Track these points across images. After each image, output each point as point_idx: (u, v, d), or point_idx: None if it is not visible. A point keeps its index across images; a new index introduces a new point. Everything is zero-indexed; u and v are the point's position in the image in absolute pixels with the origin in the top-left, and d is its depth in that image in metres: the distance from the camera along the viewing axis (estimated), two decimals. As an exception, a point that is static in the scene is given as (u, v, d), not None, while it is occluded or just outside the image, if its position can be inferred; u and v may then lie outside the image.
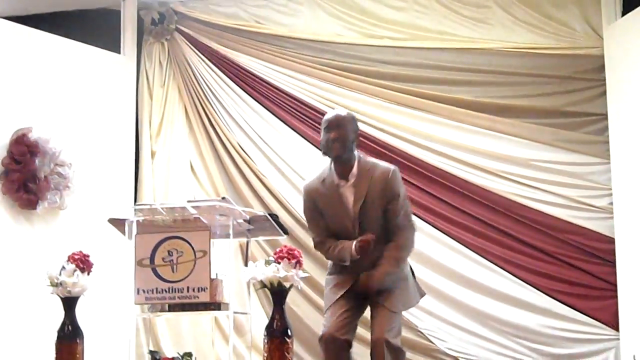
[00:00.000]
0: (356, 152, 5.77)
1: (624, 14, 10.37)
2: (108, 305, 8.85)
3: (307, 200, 5.87)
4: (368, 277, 5.68)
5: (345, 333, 5.73)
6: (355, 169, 5.67)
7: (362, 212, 5.63)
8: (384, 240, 5.74)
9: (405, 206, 5.78)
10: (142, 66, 11.53)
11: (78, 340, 6.38)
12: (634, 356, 9.87)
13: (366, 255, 5.63)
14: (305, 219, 6.12)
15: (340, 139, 5.57)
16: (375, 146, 10.74)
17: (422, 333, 10.21)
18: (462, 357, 10.42)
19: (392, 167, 5.85)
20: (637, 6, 9.92)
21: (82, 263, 6.46)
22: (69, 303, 6.42)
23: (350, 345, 5.83)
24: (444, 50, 11.18)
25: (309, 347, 10.65)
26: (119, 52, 11.18)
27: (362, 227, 5.66)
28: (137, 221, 6.33)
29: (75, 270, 6.37)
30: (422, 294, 6.18)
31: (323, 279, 10.43)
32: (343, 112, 5.81)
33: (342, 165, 5.67)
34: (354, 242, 5.61)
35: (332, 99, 11.14)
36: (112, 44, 11.13)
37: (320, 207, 5.78)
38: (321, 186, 5.76)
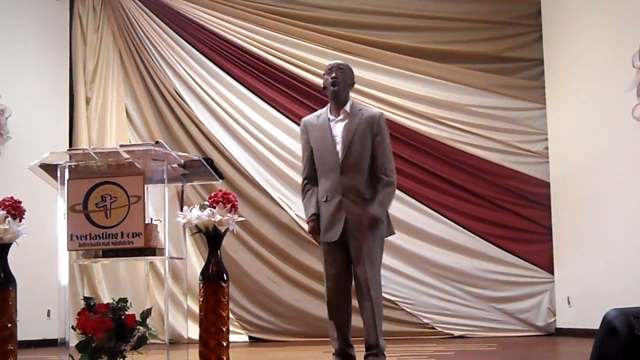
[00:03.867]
0: (351, 98, 6.25)
1: (560, -42, 10.41)
2: (42, 253, 8.76)
3: (302, 131, 6.22)
4: (365, 217, 5.95)
5: (347, 294, 6.04)
6: (347, 107, 6.10)
7: (349, 144, 5.96)
8: (368, 180, 6.02)
9: (390, 154, 6.14)
10: (75, 11, 11.33)
11: (10, 288, 6.24)
12: (568, 298, 10.04)
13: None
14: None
15: (339, 79, 6.10)
16: (311, 91, 10.71)
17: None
18: (399, 302, 10.52)
19: (379, 111, 6.47)
20: (573, -49, 9.97)
21: (14, 209, 6.32)
22: (1, 250, 6.29)
23: (350, 300, 6.14)
24: (381, -5, 11.20)
25: (245, 292, 10.69)
26: (51, -4, 10.98)
27: (346, 158, 5.96)
28: (70, 166, 6.22)
29: (6, 217, 6.23)
30: (392, 233, 6.31)
31: (259, 224, 10.62)
32: (343, 62, 6.34)
33: (337, 103, 6.10)
34: (309, 217, 6.08)
35: (269, 44, 11.08)
36: (44, -13, 10.91)
37: (311, 139, 6.12)
38: (315, 120, 6.17)
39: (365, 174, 5.99)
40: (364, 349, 5.97)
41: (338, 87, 6.07)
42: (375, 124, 6.05)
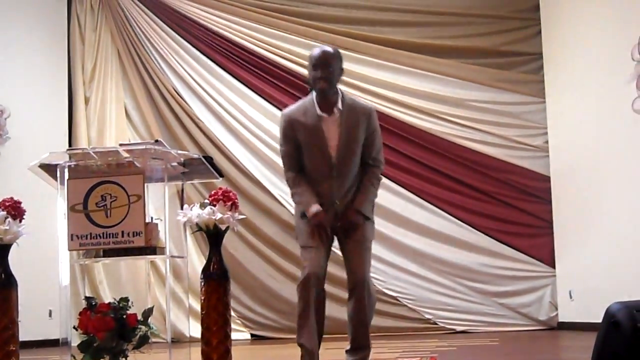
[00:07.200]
0: (339, 89, 5.64)
1: (558, -48, 10.40)
2: (43, 253, 8.76)
3: (287, 128, 5.56)
4: (349, 210, 5.47)
5: (324, 273, 5.48)
6: (339, 104, 5.52)
7: (345, 148, 5.46)
8: (357, 177, 5.56)
9: (380, 143, 5.69)
10: (73, 10, 11.35)
11: (11, 288, 6.24)
12: (570, 292, 10.03)
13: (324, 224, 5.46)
14: (280, 147, 5.71)
15: (327, 77, 5.45)
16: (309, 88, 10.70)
17: (361, 274, 10.23)
18: (401, 297, 10.52)
19: (371, 105, 5.86)
20: (571, -56, 9.96)
21: (14, 210, 6.31)
22: (1, 251, 6.28)
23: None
24: (378, -9, 11.19)
25: (247, 289, 10.70)
26: (48, -4, 10.97)
27: (340, 161, 5.45)
28: (69, 166, 6.22)
29: (6, 218, 6.22)
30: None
31: (259, 222, 10.62)
32: (330, 50, 5.63)
33: (326, 99, 5.51)
34: (313, 208, 5.40)
35: (268, 41, 11.09)
36: (42, -13, 10.91)
37: (299, 138, 5.51)
38: (303, 117, 5.52)
39: (357, 174, 5.58)
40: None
41: (326, 88, 5.46)
42: (371, 121, 5.57)
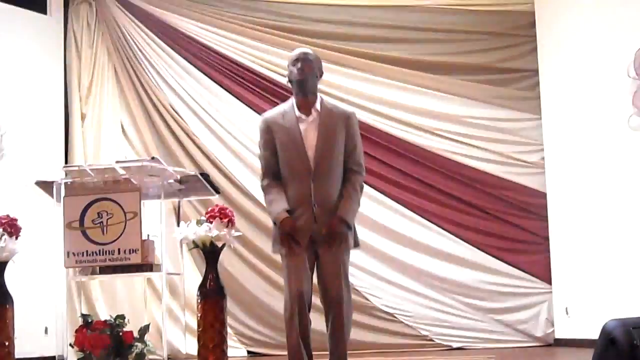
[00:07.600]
0: (318, 93, 5.60)
1: (553, -31, 10.43)
2: (40, 270, 8.74)
3: (265, 131, 5.51)
4: (334, 220, 5.36)
5: (309, 290, 5.37)
6: (318, 105, 5.48)
7: (323, 149, 5.38)
8: (336, 183, 5.46)
9: (361, 149, 5.64)
10: (69, 27, 11.32)
11: (8, 306, 6.26)
12: (566, 308, 10.02)
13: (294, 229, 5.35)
14: (259, 152, 5.61)
15: (306, 69, 5.45)
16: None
17: (357, 290, 10.23)
18: (397, 314, 10.49)
19: (351, 109, 5.78)
20: (566, -39, 9.99)
21: (10, 227, 6.32)
22: (-2, 268, 6.30)
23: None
24: (377, 8, 11.16)
25: (243, 306, 10.66)
26: (45, 13, 10.94)
27: (318, 163, 5.37)
28: (66, 183, 6.22)
29: (2, 235, 6.24)
30: (357, 244, 5.68)
31: (256, 238, 10.59)
32: (310, 51, 5.65)
33: (305, 98, 5.47)
34: (281, 216, 5.32)
35: (264, 57, 11.07)
36: (38, 5, 10.88)
37: (277, 141, 5.45)
38: (281, 119, 5.47)
39: (339, 181, 5.47)
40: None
41: (305, 78, 5.43)
42: (350, 125, 5.51)
